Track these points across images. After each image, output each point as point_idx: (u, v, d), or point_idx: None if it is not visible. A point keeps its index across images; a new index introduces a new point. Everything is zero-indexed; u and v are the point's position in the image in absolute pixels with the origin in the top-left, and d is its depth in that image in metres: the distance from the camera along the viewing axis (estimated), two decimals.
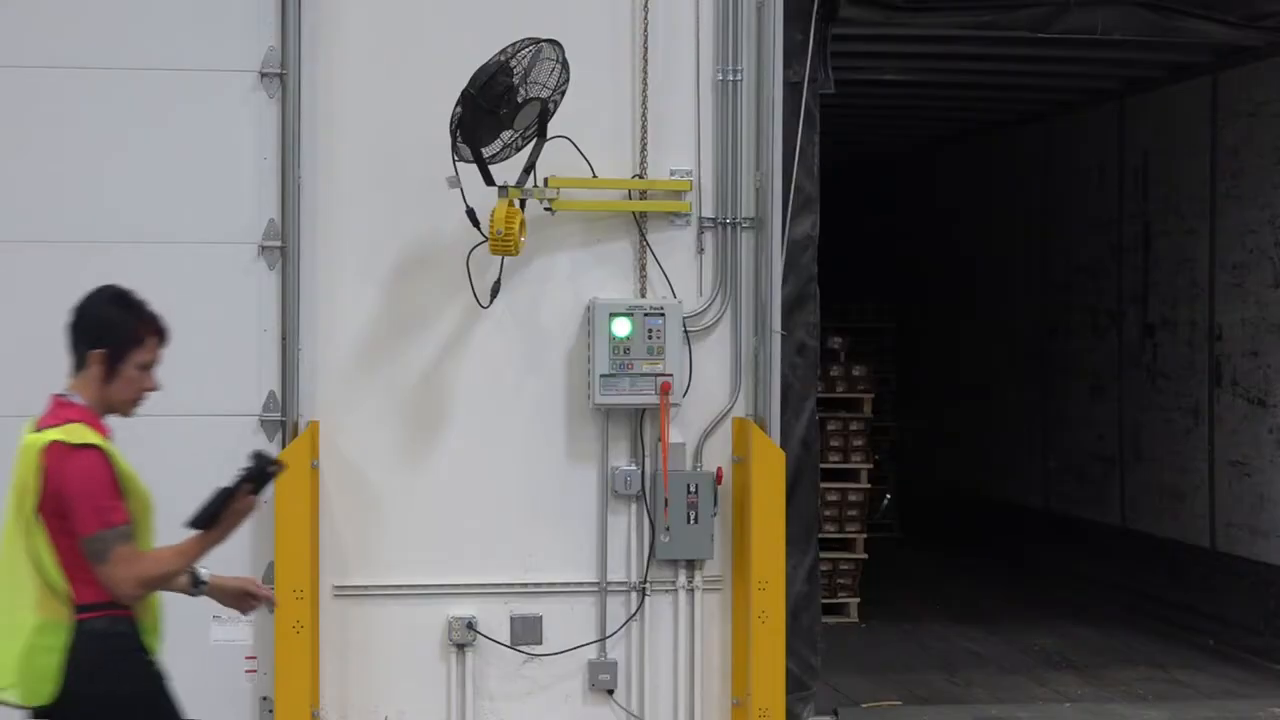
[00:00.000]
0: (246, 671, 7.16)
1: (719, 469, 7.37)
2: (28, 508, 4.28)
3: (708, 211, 7.43)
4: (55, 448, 4.25)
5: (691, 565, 7.40)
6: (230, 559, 7.08)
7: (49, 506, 4.26)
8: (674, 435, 7.32)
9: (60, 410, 4.35)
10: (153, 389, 4.49)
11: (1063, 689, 8.81)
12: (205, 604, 6.97)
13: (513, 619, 7.34)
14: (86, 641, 4.30)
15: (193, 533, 4.36)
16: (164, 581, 4.42)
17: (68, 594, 4.30)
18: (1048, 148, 13.05)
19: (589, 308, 7.29)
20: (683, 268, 7.43)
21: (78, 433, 4.28)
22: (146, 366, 4.44)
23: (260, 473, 4.37)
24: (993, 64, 10.46)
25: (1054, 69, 10.74)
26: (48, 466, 4.25)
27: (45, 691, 4.27)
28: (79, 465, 4.24)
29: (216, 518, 4.35)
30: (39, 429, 4.33)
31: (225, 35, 7.16)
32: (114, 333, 4.38)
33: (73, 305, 4.44)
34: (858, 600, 10.46)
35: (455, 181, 6.73)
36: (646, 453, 7.38)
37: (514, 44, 6.59)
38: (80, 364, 4.40)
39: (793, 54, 7.49)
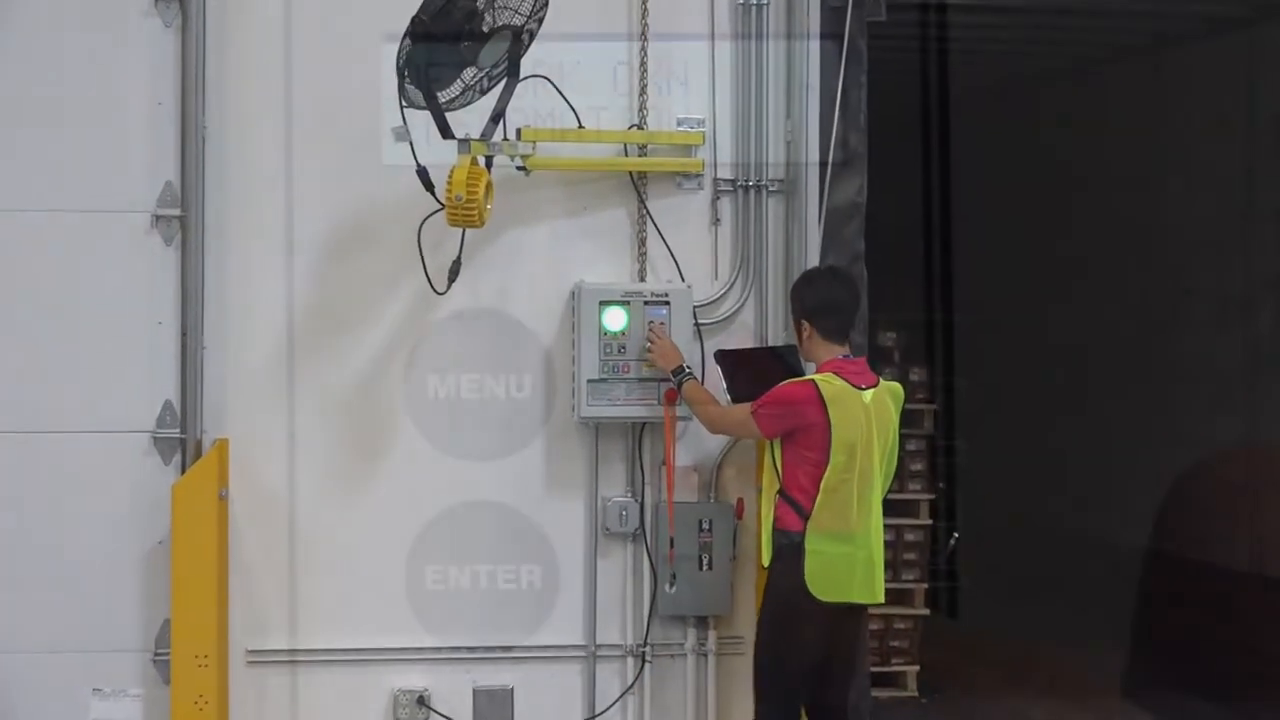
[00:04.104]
0: None
1: (739, 500, 7.40)
2: (896, 441, 6.67)
3: (725, 172, 7.46)
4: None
5: (704, 622, 7.45)
6: (115, 619, 7.14)
7: None
8: (681, 457, 7.34)
9: (869, 370, 6.71)
10: None
11: None
12: (83, 675, 7.08)
13: (476, 692, 7.37)
14: None
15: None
16: None
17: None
18: (1156, 90, 13.05)
19: (574, 294, 7.31)
20: (693, 243, 7.47)
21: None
22: None
23: None
24: None
25: None
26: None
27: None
28: None
29: None
30: (867, 386, 6.57)
31: None
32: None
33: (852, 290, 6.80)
34: (916, 668, 10.46)
35: (403, 134, 6.73)
36: (646, 480, 7.41)
37: None
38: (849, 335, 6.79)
39: None
